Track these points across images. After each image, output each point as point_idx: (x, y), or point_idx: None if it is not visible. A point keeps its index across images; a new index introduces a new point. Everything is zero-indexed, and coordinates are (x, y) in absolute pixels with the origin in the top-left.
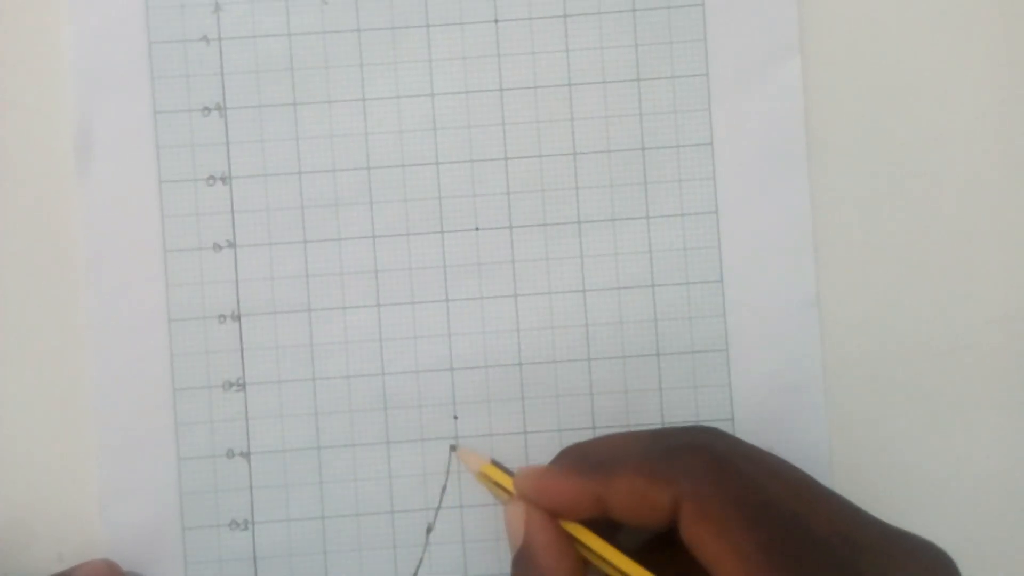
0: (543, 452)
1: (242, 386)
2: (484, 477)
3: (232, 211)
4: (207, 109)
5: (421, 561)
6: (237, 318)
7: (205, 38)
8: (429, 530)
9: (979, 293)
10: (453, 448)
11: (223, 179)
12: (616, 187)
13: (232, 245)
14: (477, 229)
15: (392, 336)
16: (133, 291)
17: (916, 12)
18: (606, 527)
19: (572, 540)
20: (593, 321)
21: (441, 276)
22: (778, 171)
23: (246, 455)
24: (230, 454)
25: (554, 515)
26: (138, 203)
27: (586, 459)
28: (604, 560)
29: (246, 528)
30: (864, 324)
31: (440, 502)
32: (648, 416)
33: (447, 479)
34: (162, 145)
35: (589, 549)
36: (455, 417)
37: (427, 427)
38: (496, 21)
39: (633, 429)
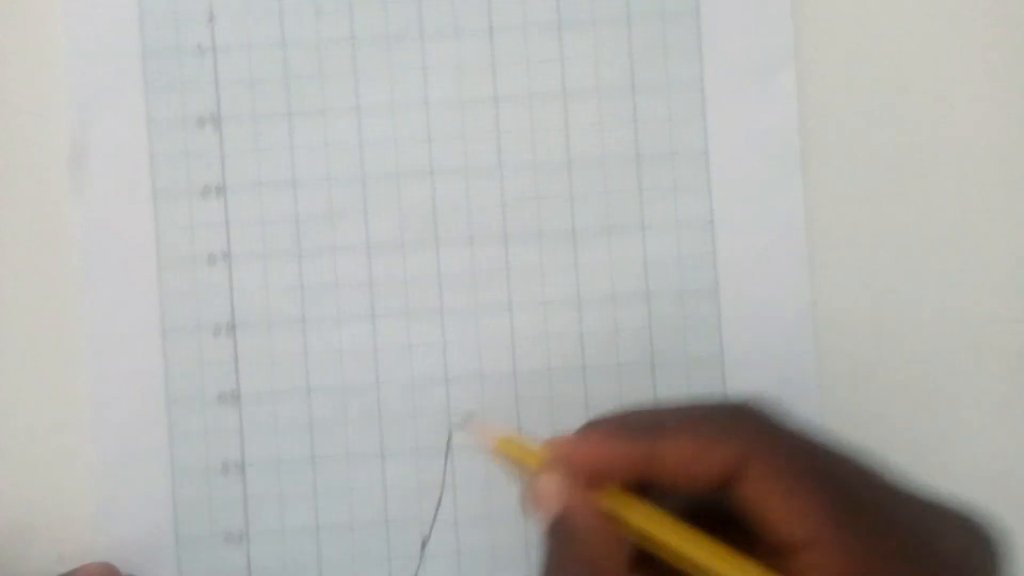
0: None
1: (236, 398)
2: (501, 453)
3: (227, 222)
4: (201, 119)
5: (416, 574)
6: (232, 330)
7: (199, 48)
8: (424, 543)
9: (976, 296)
10: (460, 427)
11: (217, 190)
12: (611, 196)
13: (227, 256)
14: (472, 239)
15: (387, 347)
16: (127, 302)
17: (911, 24)
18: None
19: (611, 510)
20: (588, 331)
21: (436, 286)
22: (773, 181)
23: (240, 467)
24: (224, 466)
25: (594, 482)
26: (132, 214)
27: (626, 424)
28: (647, 536)
29: (240, 541)
30: (859, 332)
31: (435, 515)
32: None
33: (442, 491)
34: (156, 156)
35: (628, 524)
36: (450, 429)
37: (422, 438)
38: (491, 31)
39: None
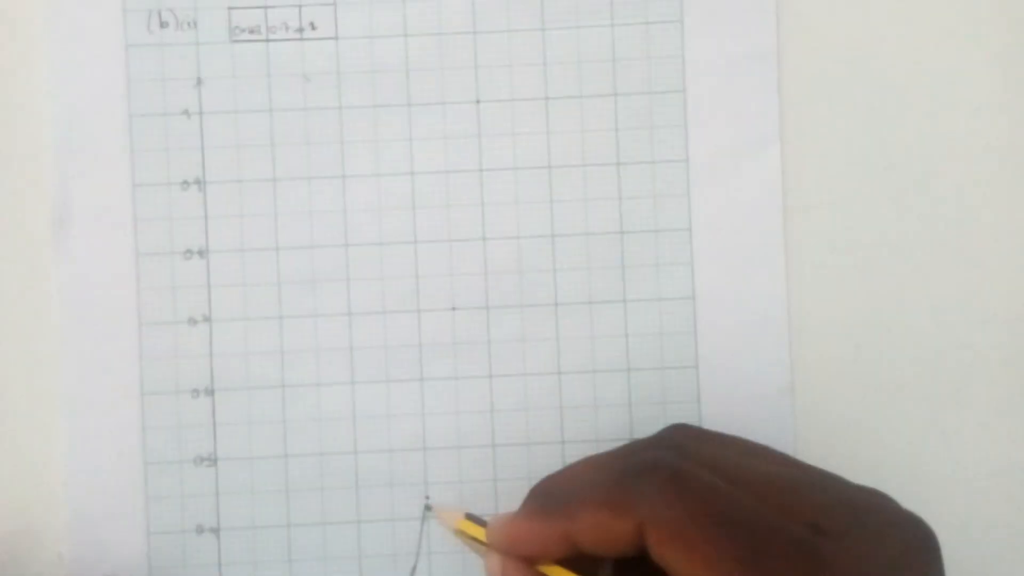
0: None
1: (214, 462)
2: (461, 534)
3: (208, 285)
4: (186, 183)
5: None
6: (211, 393)
7: (186, 112)
8: None
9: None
10: (428, 508)
11: (200, 253)
12: (594, 271)
13: (208, 319)
14: (454, 309)
15: (366, 414)
16: (107, 363)
17: (897, 100)
18: (590, 561)
19: None
20: (568, 404)
21: (417, 355)
22: (756, 258)
23: (215, 531)
24: (199, 529)
25: (529, 561)
26: (114, 275)
27: (551, 498)
28: None
29: None
30: (839, 410)
31: None
32: None
33: (417, 559)
34: (140, 218)
35: None
36: (427, 497)
37: (398, 507)
38: (478, 102)
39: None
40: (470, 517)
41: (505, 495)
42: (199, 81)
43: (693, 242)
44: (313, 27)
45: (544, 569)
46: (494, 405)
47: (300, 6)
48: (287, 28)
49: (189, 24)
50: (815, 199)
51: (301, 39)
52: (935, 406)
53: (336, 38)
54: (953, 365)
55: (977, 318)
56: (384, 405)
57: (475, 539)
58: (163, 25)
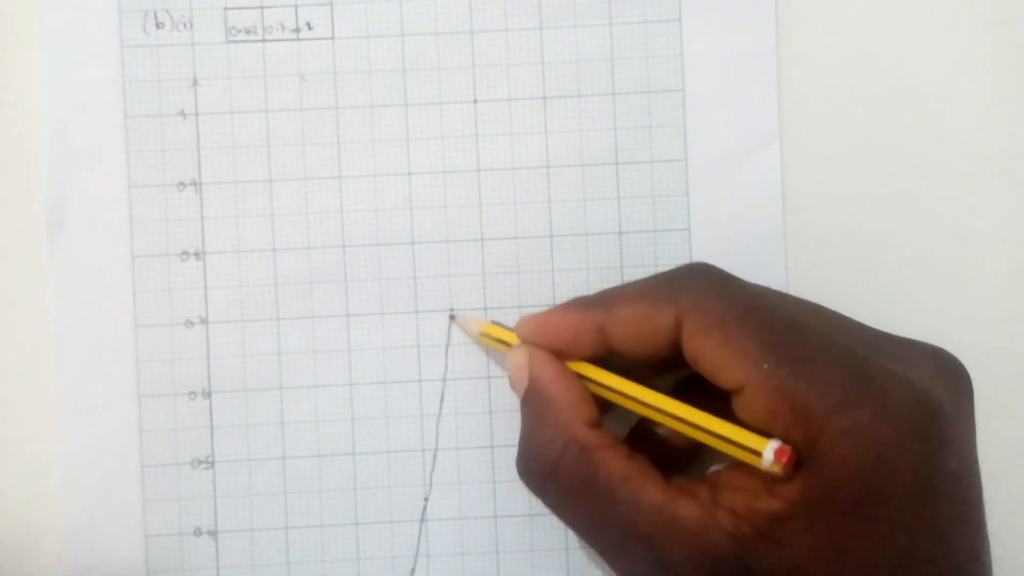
0: (514, 538)
1: (211, 464)
2: (485, 337)
3: (205, 287)
4: (182, 184)
5: None
6: (208, 395)
7: (182, 113)
8: None
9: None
10: (452, 317)
11: (197, 254)
12: (592, 271)
13: (204, 321)
14: (452, 310)
15: (363, 416)
16: (103, 366)
17: (894, 100)
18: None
19: (579, 375)
20: None
21: (415, 356)
22: (755, 258)
23: (213, 533)
24: (197, 531)
25: (558, 354)
26: (111, 277)
27: (582, 300)
28: (613, 391)
29: None
30: None
31: None
32: None
33: (415, 561)
34: (136, 219)
35: (598, 384)
36: (426, 499)
37: (396, 509)
38: (475, 102)
39: None
40: (495, 324)
41: (504, 495)
42: (195, 82)
43: (692, 242)
44: (309, 27)
45: (572, 365)
46: (492, 406)
47: (296, 6)
48: (283, 28)
49: (185, 25)
50: (814, 198)
51: (297, 39)
52: None
53: (332, 38)
54: None
55: (978, 318)
56: (382, 407)
57: (500, 340)
58: (159, 26)
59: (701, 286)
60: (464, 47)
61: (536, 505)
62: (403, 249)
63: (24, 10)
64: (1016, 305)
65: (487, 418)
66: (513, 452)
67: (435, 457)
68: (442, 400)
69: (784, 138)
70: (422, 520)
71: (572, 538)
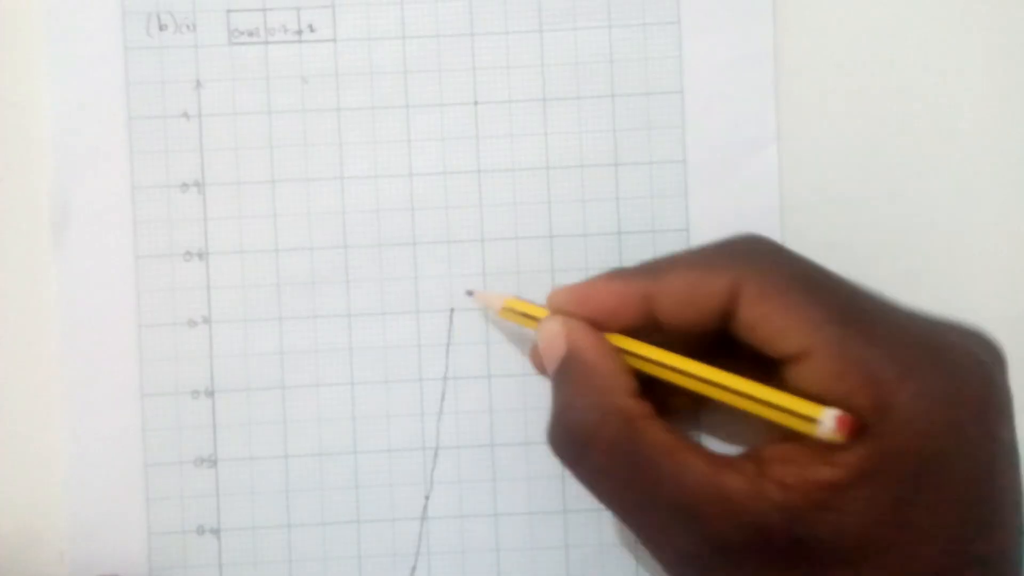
0: (514, 536)
1: (214, 462)
2: (508, 312)
3: (208, 287)
4: (185, 185)
5: None
6: (211, 394)
7: (185, 114)
8: None
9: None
10: (469, 293)
11: (200, 255)
12: (592, 271)
13: (207, 321)
14: (452, 309)
15: (365, 415)
16: (107, 366)
17: (893, 100)
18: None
19: (617, 346)
20: None
21: (416, 355)
22: None
23: (216, 532)
24: (200, 530)
25: (594, 325)
26: (113, 278)
27: (623, 270)
28: (654, 362)
29: None
30: None
31: None
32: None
33: (416, 560)
34: (139, 220)
35: (637, 356)
36: (426, 497)
37: (398, 507)
38: (476, 103)
39: None
40: (518, 298)
41: (505, 494)
42: (198, 83)
43: (691, 243)
44: (312, 29)
45: (612, 337)
46: (493, 406)
47: (299, 8)
48: (286, 30)
49: (188, 27)
50: (812, 199)
51: (300, 41)
52: None
53: (334, 40)
54: None
55: (978, 317)
56: (383, 405)
57: (526, 315)
58: (162, 28)
59: (761, 252)
60: (465, 49)
61: (537, 503)
62: (404, 249)
63: (28, 12)
64: (1016, 305)
65: (488, 417)
66: (514, 450)
67: (436, 455)
68: (443, 399)
69: (782, 139)
70: (423, 518)
71: (572, 537)
